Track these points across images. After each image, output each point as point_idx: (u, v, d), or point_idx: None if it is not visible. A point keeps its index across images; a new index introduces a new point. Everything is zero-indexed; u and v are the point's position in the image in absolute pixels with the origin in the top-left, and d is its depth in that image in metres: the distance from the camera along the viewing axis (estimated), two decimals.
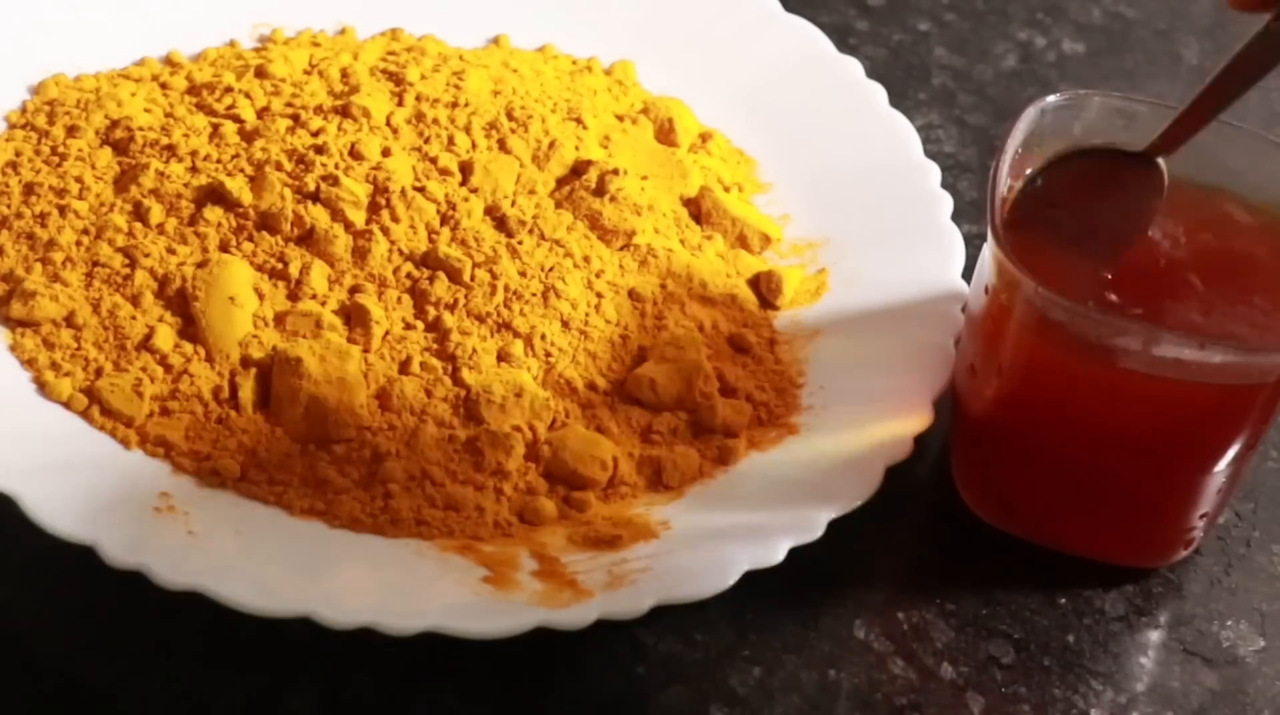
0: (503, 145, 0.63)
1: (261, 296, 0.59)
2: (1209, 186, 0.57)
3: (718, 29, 0.72)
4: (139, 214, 0.60)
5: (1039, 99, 0.57)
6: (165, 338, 0.58)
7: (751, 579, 0.53)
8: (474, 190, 0.62)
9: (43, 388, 0.56)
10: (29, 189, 0.61)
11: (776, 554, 0.54)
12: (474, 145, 0.63)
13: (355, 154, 0.61)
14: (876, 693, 0.55)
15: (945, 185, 0.66)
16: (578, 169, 0.64)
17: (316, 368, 0.57)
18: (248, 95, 0.65)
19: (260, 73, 0.66)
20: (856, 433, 0.58)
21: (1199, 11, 0.81)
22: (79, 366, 0.57)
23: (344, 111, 0.63)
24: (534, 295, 0.60)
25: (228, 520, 0.54)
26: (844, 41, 0.75)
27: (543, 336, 0.59)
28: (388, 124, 0.63)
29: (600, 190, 0.62)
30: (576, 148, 0.64)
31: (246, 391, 0.57)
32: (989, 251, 0.55)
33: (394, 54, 0.68)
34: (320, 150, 0.61)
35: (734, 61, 0.71)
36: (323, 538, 0.54)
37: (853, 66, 0.71)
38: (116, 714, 0.52)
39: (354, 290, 0.59)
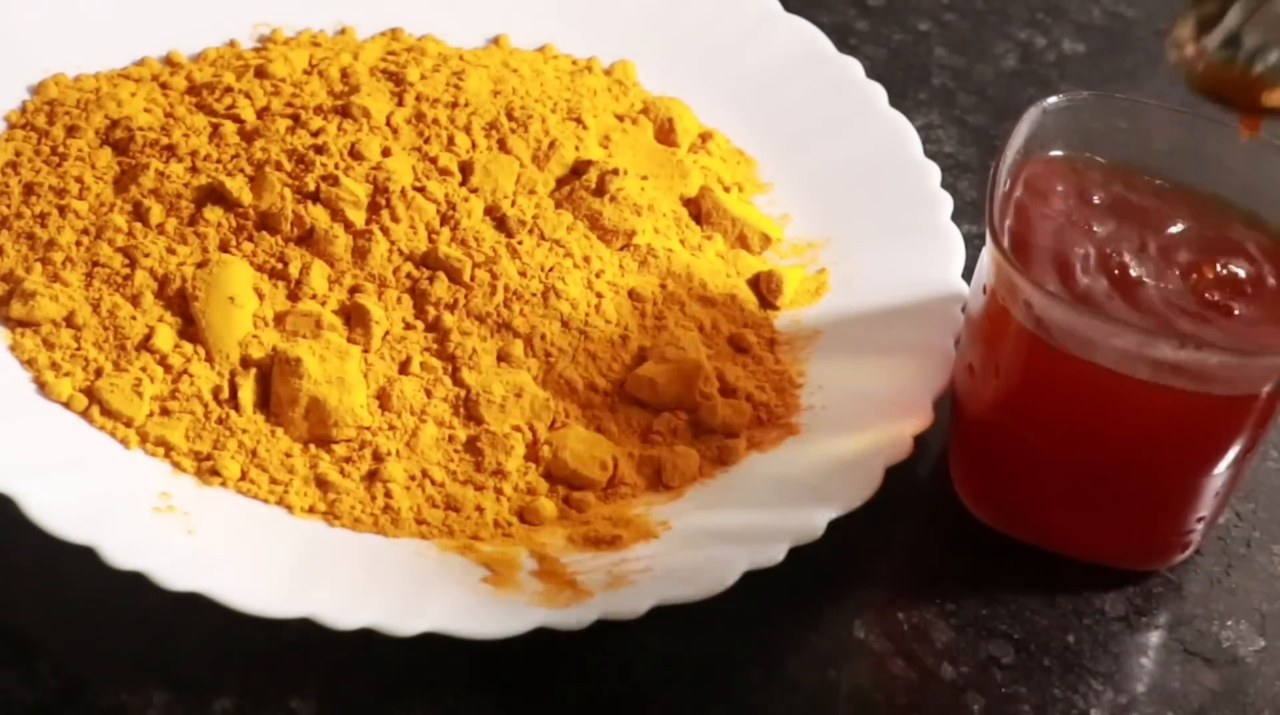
0: (503, 145, 0.63)
1: (261, 296, 0.59)
2: (1209, 190, 0.57)
3: (718, 29, 0.72)
4: (139, 214, 0.60)
5: (1040, 99, 0.57)
6: (165, 338, 0.58)
7: (751, 579, 0.53)
8: (474, 190, 0.62)
9: (43, 388, 0.56)
10: (29, 189, 0.61)
11: (776, 554, 0.54)
12: (474, 145, 0.63)
13: (355, 154, 0.61)
14: (876, 693, 0.55)
15: (945, 185, 0.66)
16: (578, 169, 0.63)
17: (316, 368, 0.57)
18: (248, 95, 0.64)
19: (260, 73, 0.66)
20: (856, 433, 0.58)
21: None
22: (79, 366, 0.57)
23: (344, 111, 0.63)
24: (534, 295, 0.60)
25: (228, 520, 0.54)
26: (844, 41, 0.75)
27: (543, 336, 0.59)
28: (388, 124, 0.63)
29: (600, 190, 0.62)
30: (576, 148, 0.64)
31: (246, 391, 0.57)
32: (988, 252, 0.55)
33: (394, 54, 0.68)
34: (320, 150, 0.61)
35: (734, 61, 0.71)
36: (323, 538, 0.54)
37: (853, 66, 0.71)
38: (117, 714, 0.52)
39: (354, 290, 0.59)
